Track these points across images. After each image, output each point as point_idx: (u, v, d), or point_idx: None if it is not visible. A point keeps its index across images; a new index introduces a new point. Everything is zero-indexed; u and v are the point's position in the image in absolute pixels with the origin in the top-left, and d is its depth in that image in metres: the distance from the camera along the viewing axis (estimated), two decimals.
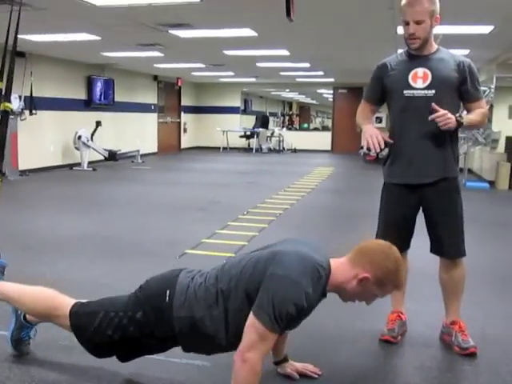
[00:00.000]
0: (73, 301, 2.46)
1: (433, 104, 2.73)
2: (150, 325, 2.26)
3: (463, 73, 2.83)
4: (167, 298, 2.23)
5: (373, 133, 2.87)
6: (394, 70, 2.90)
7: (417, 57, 2.87)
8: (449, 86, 2.82)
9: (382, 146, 2.84)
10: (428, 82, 2.81)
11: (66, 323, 2.42)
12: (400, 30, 7.08)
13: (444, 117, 2.71)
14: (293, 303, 2.00)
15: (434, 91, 2.80)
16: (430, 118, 2.73)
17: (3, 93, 2.55)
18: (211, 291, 2.20)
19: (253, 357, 2.02)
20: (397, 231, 2.96)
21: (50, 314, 2.48)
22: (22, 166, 10.19)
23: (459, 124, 2.76)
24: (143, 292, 2.35)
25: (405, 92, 2.84)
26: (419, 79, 2.83)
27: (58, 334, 2.79)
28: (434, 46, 2.89)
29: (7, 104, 2.48)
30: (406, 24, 2.76)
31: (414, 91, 2.83)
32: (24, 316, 2.66)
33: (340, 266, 2.23)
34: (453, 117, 2.73)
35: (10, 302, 2.59)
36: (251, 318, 2.03)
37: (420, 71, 2.83)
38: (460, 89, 2.85)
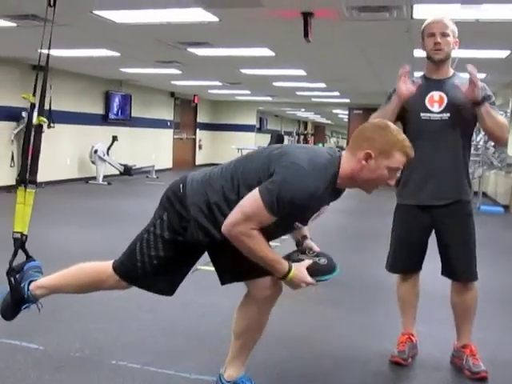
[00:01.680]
0: (110, 261, 2.45)
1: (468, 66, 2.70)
2: (176, 220, 2.27)
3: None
4: (181, 190, 2.28)
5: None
6: (412, 97, 2.91)
7: (433, 80, 2.90)
8: (463, 109, 2.84)
9: (411, 89, 2.83)
10: (443, 105, 2.84)
11: (115, 281, 2.41)
12: (416, 52, 7.15)
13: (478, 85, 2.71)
14: (299, 192, 2.04)
15: (448, 114, 2.82)
16: (469, 67, 2.68)
17: (36, 107, 2.62)
18: (227, 178, 2.23)
19: (242, 229, 2.08)
20: (409, 253, 2.97)
21: (98, 282, 2.47)
22: (38, 178, 10.28)
23: (481, 99, 2.74)
24: (163, 196, 2.37)
25: (422, 115, 2.86)
26: (435, 103, 2.85)
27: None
28: (451, 71, 2.93)
29: (41, 118, 2.55)
30: (431, 36, 2.82)
31: (431, 114, 2.85)
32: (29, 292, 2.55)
33: (344, 160, 2.21)
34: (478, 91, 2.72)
35: (59, 291, 2.58)
36: (254, 190, 2.09)
37: (436, 95, 2.86)
38: (476, 111, 2.86)
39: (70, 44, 7.45)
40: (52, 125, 10.39)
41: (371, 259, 5.45)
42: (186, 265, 2.45)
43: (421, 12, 5.02)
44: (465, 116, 2.85)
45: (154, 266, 2.32)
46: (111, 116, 12.98)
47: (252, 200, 2.07)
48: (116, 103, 13.17)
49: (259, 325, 2.46)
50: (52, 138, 10.61)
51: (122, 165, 12.66)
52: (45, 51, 2.63)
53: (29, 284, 2.53)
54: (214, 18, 5.67)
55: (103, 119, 12.83)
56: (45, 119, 2.57)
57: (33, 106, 2.62)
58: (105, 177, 12.02)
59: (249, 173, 2.19)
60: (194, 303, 3.95)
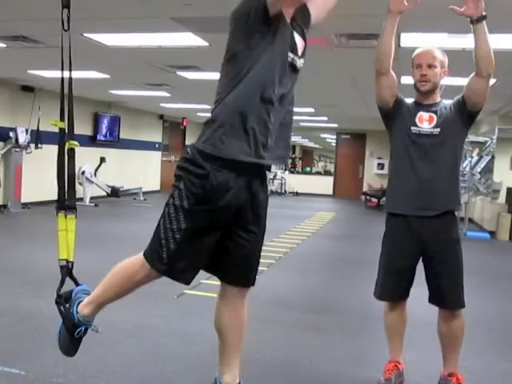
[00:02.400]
0: (141, 252, 2.36)
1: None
2: (194, 181, 2.20)
3: (463, 104, 2.93)
4: (189, 152, 2.28)
5: None
6: (403, 107, 3.00)
7: (423, 104, 2.98)
8: (453, 123, 2.91)
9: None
10: (433, 123, 2.91)
11: (147, 270, 2.30)
12: (404, 79, 7.22)
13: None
14: None
15: (439, 129, 2.88)
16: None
17: (66, 131, 2.59)
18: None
19: None
20: (397, 280, 2.96)
21: (132, 275, 2.35)
22: (24, 199, 10.24)
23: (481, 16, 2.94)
24: (175, 172, 2.32)
25: (412, 128, 2.93)
26: (425, 121, 2.93)
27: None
28: (438, 98, 3.01)
29: (72, 142, 2.53)
30: (418, 67, 2.90)
31: (421, 129, 2.92)
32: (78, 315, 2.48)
33: None
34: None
35: (104, 301, 2.47)
36: None
37: (425, 115, 2.94)
38: (464, 113, 2.92)
39: (59, 65, 7.46)
40: (40, 145, 10.37)
41: (358, 285, 5.45)
42: (208, 242, 2.28)
43: (408, 40, 5.09)
44: (455, 131, 2.92)
45: (176, 241, 2.21)
46: (99, 137, 12.97)
47: None
48: (105, 124, 13.16)
49: (239, 320, 2.46)
50: (39, 159, 10.58)
51: (109, 186, 12.61)
52: (66, 75, 2.60)
53: (77, 307, 2.46)
54: (203, 43, 5.71)
55: (91, 140, 12.81)
56: (76, 143, 2.55)
57: (62, 131, 2.56)
58: (92, 198, 11.96)
59: None
60: (179, 329, 3.91)
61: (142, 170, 15.19)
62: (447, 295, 2.91)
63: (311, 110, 12.11)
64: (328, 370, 3.29)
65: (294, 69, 2.32)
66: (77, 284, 2.56)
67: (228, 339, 2.46)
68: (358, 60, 6.36)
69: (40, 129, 10.23)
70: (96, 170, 12.22)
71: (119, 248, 6.86)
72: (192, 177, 2.20)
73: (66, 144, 2.52)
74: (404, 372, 3.11)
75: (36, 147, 10.26)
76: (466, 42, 5.05)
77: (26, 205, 10.28)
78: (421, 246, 2.91)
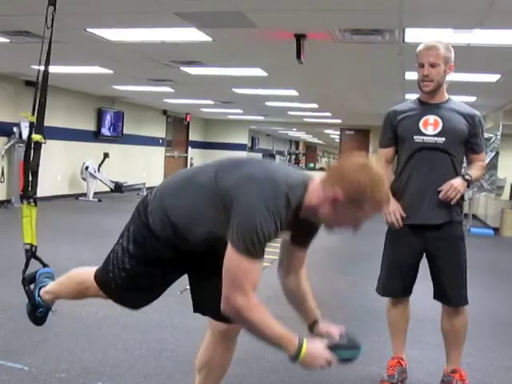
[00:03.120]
0: (94, 268, 2.39)
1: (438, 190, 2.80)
2: (140, 229, 2.19)
3: (474, 127, 2.87)
4: (147, 197, 2.22)
5: (392, 209, 2.89)
6: (404, 117, 2.94)
7: (428, 104, 2.91)
8: (458, 136, 2.85)
9: (401, 224, 2.89)
10: (438, 129, 2.84)
11: (96, 290, 2.34)
12: (408, 75, 7.22)
13: (450, 190, 2.77)
14: (257, 231, 1.81)
15: (443, 139, 2.83)
16: (440, 196, 2.79)
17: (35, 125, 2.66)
18: (183, 182, 2.15)
19: (240, 299, 1.83)
20: (400, 277, 2.96)
21: (84, 289, 2.43)
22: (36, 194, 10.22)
23: (468, 182, 2.82)
24: (135, 209, 2.29)
25: (415, 137, 2.87)
26: (430, 126, 2.86)
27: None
28: (446, 96, 2.93)
29: (39, 136, 2.63)
30: (421, 66, 2.82)
31: (424, 137, 2.86)
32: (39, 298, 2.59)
33: (313, 189, 1.95)
34: (457, 181, 2.79)
35: (60, 297, 2.58)
36: (227, 250, 1.86)
37: (431, 118, 2.87)
38: (469, 140, 2.88)
39: (63, 61, 7.45)
40: (43, 140, 10.34)
41: (360, 281, 5.43)
42: (154, 282, 2.28)
43: (413, 36, 5.06)
44: (459, 142, 2.87)
45: (122, 278, 2.23)
46: (103, 133, 12.97)
47: (230, 260, 1.85)
48: (108, 120, 13.16)
49: (220, 362, 2.36)
50: (43, 154, 10.51)
51: (112, 182, 12.62)
52: (42, 68, 2.64)
53: (39, 290, 2.58)
54: (207, 38, 5.70)
55: (95, 136, 12.81)
56: (41, 137, 2.65)
57: (32, 124, 2.68)
58: (95, 193, 11.97)
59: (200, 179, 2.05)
60: (182, 324, 3.91)
61: (146, 166, 15.20)
62: (450, 292, 2.90)
63: (315, 105, 12.09)
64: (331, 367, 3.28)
65: None
66: (43, 264, 2.71)
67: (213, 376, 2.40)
68: (362, 55, 6.35)
69: (44, 124, 10.21)
70: (99, 166, 12.22)
71: None
72: (141, 224, 2.18)
73: (34, 137, 2.63)
74: (407, 368, 3.11)
75: None
76: (470, 37, 5.04)
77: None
78: (424, 243, 2.90)
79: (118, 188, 12.70)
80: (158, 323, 3.90)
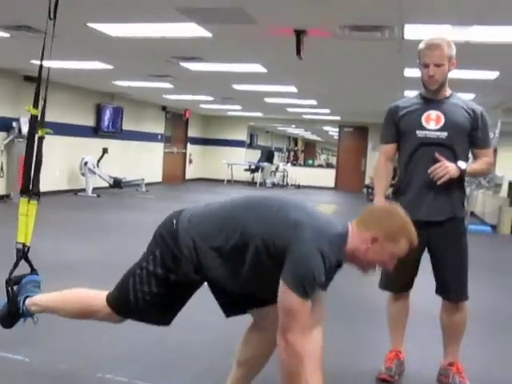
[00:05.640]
0: (105, 292, 2.41)
1: (436, 154, 2.79)
2: (168, 256, 2.22)
3: (476, 120, 2.89)
4: (174, 225, 2.23)
5: None
6: (407, 112, 2.95)
7: (431, 100, 2.93)
8: (461, 130, 2.87)
9: None
10: (441, 124, 2.86)
11: (108, 314, 2.37)
12: (407, 72, 7.23)
13: (443, 167, 2.77)
14: (312, 275, 2.00)
15: (446, 133, 2.85)
16: (429, 170, 2.79)
17: (38, 119, 2.61)
18: (223, 224, 2.19)
19: (291, 337, 2.02)
20: (402, 271, 2.97)
21: (90, 312, 2.44)
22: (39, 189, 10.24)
23: (461, 171, 2.81)
24: (156, 231, 2.32)
25: (417, 132, 2.89)
26: (432, 121, 2.88)
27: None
28: (448, 91, 2.96)
29: (45, 129, 2.59)
30: (426, 66, 2.83)
31: (427, 132, 2.88)
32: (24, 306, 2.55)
33: (351, 235, 2.18)
34: (452, 165, 2.79)
35: (52, 313, 2.55)
36: (281, 287, 2.03)
37: (433, 114, 2.89)
38: (471, 134, 2.90)
39: (63, 56, 7.46)
40: (49, 131, 10.36)
41: (360, 277, 5.45)
42: (181, 300, 2.39)
43: (412, 33, 5.08)
44: (462, 137, 2.89)
45: (147, 301, 2.27)
46: (102, 128, 12.97)
47: (286, 296, 2.02)
48: (107, 116, 13.16)
49: (265, 354, 2.43)
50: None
51: (111, 177, 12.63)
52: (44, 63, 2.63)
53: (25, 299, 2.52)
54: (207, 34, 5.71)
55: (94, 131, 12.82)
56: (48, 130, 2.60)
57: (33, 117, 2.61)
58: (94, 189, 11.98)
59: (252, 229, 2.12)
60: (183, 318, 3.90)
61: (145, 162, 15.20)
62: (451, 287, 2.93)
63: (314, 102, 12.11)
64: (330, 360, 3.30)
65: None
66: (32, 268, 2.63)
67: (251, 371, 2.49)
68: (361, 52, 6.36)
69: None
70: (98, 161, 12.23)
71: (121, 238, 6.89)
72: (169, 251, 2.23)
73: (39, 131, 2.57)
74: (405, 361, 3.14)
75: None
76: (470, 34, 5.06)
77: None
78: (427, 238, 2.90)
79: (117, 184, 12.71)
80: None
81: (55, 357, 3.08)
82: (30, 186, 2.67)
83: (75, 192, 11.88)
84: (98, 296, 2.41)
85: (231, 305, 2.38)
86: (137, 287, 2.26)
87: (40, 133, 2.59)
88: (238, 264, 2.14)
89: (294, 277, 2.00)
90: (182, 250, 2.19)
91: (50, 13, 2.54)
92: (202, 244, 2.17)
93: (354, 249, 2.17)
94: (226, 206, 2.28)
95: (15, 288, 2.55)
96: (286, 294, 2.01)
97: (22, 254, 2.58)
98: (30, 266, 2.63)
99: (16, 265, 2.56)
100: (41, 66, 2.69)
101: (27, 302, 2.51)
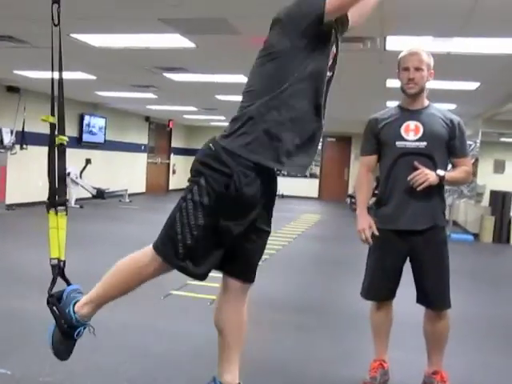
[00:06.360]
0: (149, 245, 2.29)
1: (415, 162, 2.83)
2: (216, 179, 2.13)
3: (454, 130, 2.93)
4: (212, 148, 2.18)
5: (362, 227, 2.95)
6: (386, 123, 2.99)
7: (409, 110, 2.97)
8: (439, 139, 2.91)
9: (371, 243, 2.96)
10: (420, 134, 2.90)
11: (158, 264, 2.24)
12: (389, 83, 7.30)
13: (422, 174, 2.81)
14: None
15: (425, 143, 2.89)
16: (409, 178, 2.82)
17: (57, 127, 2.54)
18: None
19: None
20: (384, 280, 2.99)
21: (140, 270, 2.29)
22: (9, 200, 10.16)
23: (440, 178, 2.84)
24: (193, 165, 2.23)
25: (397, 143, 2.93)
26: (411, 131, 2.92)
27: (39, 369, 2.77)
28: (426, 102, 3.00)
29: (62, 137, 2.49)
30: (406, 70, 2.89)
31: (406, 143, 2.91)
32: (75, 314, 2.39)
33: None
34: (431, 173, 2.82)
35: (105, 300, 2.40)
36: None
37: (412, 124, 2.93)
38: (449, 143, 2.94)
39: (46, 66, 7.43)
40: (25, 146, 10.31)
41: (344, 286, 5.48)
42: (226, 239, 2.23)
43: (394, 44, 5.14)
44: (440, 146, 2.93)
45: (194, 237, 2.15)
46: (85, 139, 12.91)
47: None
48: (90, 126, 13.11)
49: (239, 318, 2.44)
50: (24, 160, 10.51)
51: (94, 188, 12.57)
52: (56, 75, 2.58)
53: (73, 307, 2.38)
54: (190, 44, 5.73)
55: (77, 142, 12.75)
56: (66, 138, 2.51)
57: (53, 126, 2.53)
58: (77, 200, 11.90)
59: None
60: (165, 329, 3.91)
61: (128, 172, 15.14)
62: (433, 296, 2.95)
63: None
64: (315, 369, 3.31)
65: (327, 81, 2.39)
66: (68, 284, 2.48)
67: (228, 337, 2.44)
68: (344, 63, 6.39)
69: (25, 130, 10.18)
70: (81, 172, 12.17)
71: (104, 249, 6.84)
72: (216, 174, 2.14)
73: (56, 139, 2.49)
74: (389, 371, 3.14)
75: (21, 148, 10.21)
76: (450, 45, 5.13)
77: (10, 206, 10.21)
78: (408, 247, 2.93)
79: (101, 194, 12.64)
80: (141, 327, 3.90)
81: (38, 369, 3.04)
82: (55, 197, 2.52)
83: None
84: (141, 252, 2.30)
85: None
86: (184, 221, 2.16)
87: (57, 140, 2.50)
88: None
89: None
90: (230, 163, 2.12)
91: (53, 19, 2.47)
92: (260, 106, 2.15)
93: None
94: None
95: (60, 305, 2.39)
96: None
97: (59, 269, 2.43)
98: (66, 281, 2.48)
99: (54, 281, 2.40)
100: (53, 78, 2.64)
101: (76, 308, 2.37)
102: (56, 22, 2.47)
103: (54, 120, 2.52)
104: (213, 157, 2.16)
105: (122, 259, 2.35)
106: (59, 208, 2.50)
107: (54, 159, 2.50)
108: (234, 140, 2.16)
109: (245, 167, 2.13)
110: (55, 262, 2.43)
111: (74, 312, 2.36)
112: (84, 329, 2.40)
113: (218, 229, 2.17)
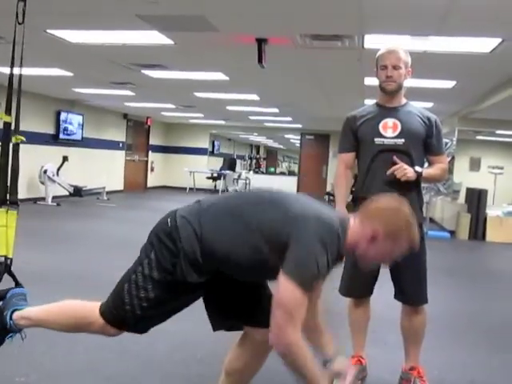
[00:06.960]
0: (98, 303, 2.30)
1: (394, 157, 2.86)
2: (165, 256, 2.13)
3: (431, 128, 2.97)
4: (169, 224, 2.16)
5: None
6: (364, 121, 3.01)
7: (387, 108, 3.00)
8: (416, 137, 2.94)
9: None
10: (397, 131, 2.93)
11: (102, 326, 2.25)
12: (367, 81, 7.34)
13: (401, 169, 2.83)
14: (315, 267, 1.96)
15: (403, 140, 2.91)
16: (388, 172, 2.84)
17: (13, 126, 2.55)
18: (224, 214, 2.17)
19: (291, 333, 1.94)
20: (361, 278, 3.01)
21: (84, 324, 2.31)
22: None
23: (418, 174, 2.88)
24: (150, 234, 2.24)
25: (375, 140, 2.95)
26: (389, 129, 2.94)
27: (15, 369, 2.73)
28: (404, 100, 3.03)
29: (19, 136, 2.49)
30: (384, 68, 2.92)
31: (384, 139, 2.94)
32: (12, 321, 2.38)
33: (352, 229, 2.14)
34: (410, 168, 2.85)
35: (43, 326, 2.40)
36: (281, 279, 1.96)
37: (390, 121, 2.95)
38: (426, 141, 2.97)
39: (23, 62, 7.34)
40: (23, 139, 10.15)
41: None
42: (178, 305, 2.29)
43: (372, 42, 5.17)
44: (418, 144, 2.96)
45: (143, 308, 2.17)
46: (62, 136, 12.77)
47: (285, 292, 1.95)
48: (67, 123, 12.98)
49: (255, 366, 2.40)
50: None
51: (72, 186, 12.44)
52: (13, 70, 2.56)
53: (12, 313, 2.36)
54: (168, 41, 5.69)
55: (54, 139, 12.61)
56: (23, 137, 2.51)
57: (7, 124, 2.52)
58: (54, 197, 11.77)
59: (264, 226, 2.08)
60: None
61: (106, 170, 15.02)
62: (410, 291, 2.98)
63: (275, 110, 12.17)
64: None
65: None
66: (16, 283, 2.49)
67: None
68: (322, 61, 6.44)
69: (0, 127, 10.04)
70: (58, 169, 12.03)
71: (83, 247, 6.78)
72: (165, 251, 2.14)
73: (13, 138, 2.49)
74: (367, 366, 3.17)
75: None
76: (428, 44, 5.18)
77: None
78: None
79: (78, 192, 12.52)
80: None
81: (13, 369, 3.00)
82: (7, 195, 2.53)
83: (34, 201, 11.65)
84: (91, 307, 2.30)
85: (221, 314, 2.32)
86: (132, 293, 2.16)
87: (14, 140, 2.49)
88: (243, 240, 2.09)
89: (297, 267, 1.96)
90: (181, 244, 2.10)
91: (17, 17, 2.47)
92: (205, 231, 2.11)
93: (355, 242, 2.12)
94: (220, 200, 2.28)
95: (0, 303, 2.40)
96: (286, 286, 1.94)
97: (5, 267, 2.44)
98: (14, 279, 2.48)
99: (0, 278, 2.41)
100: (12, 74, 2.61)
101: (15, 316, 2.36)
102: (20, 21, 2.45)
103: (11, 119, 2.52)
104: (168, 233, 2.16)
105: (75, 301, 2.37)
106: (10, 206, 2.49)
107: (7, 157, 2.52)
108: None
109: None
110: (2, 259, 2.43)
111: (10, 318, 2.35)
112: (15, 334, 2.39)
113: (171, 298, 2.20)
